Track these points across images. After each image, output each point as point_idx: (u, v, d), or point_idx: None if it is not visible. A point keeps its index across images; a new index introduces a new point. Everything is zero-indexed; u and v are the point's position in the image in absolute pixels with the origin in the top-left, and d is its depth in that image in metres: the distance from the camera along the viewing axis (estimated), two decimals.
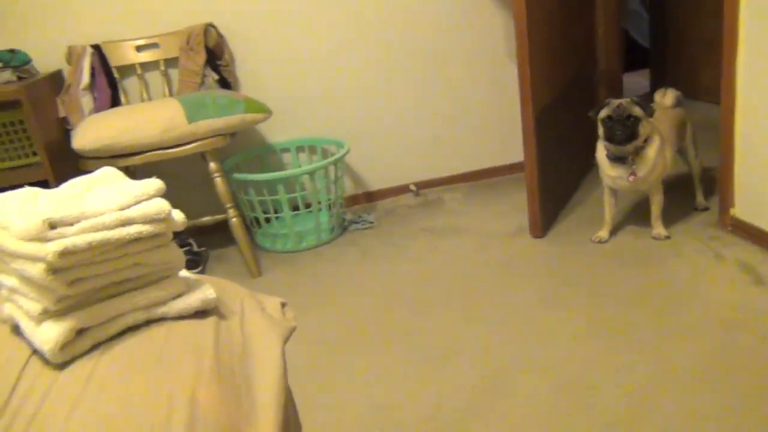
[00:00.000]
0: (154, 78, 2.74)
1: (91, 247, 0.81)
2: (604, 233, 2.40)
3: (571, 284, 2.14)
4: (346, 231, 2.83)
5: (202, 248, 2.70)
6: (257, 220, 2.72)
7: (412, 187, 3.13)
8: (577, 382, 1.68)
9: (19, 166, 2.36)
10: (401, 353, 1.90)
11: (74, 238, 0.81)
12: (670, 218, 2.46)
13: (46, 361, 0.80)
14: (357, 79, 2.97)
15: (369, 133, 3.05)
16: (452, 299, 2.15)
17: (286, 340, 0.96)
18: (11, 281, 0.86)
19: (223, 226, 2.58)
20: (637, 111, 2.17)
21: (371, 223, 2.84)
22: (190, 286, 0.94)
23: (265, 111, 2.48)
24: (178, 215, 0.93)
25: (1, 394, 0.74)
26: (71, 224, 0.83)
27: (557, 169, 2.65)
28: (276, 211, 2.72)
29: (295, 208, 2.71)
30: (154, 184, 0.92)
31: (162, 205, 0.89)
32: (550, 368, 1.74)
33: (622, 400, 1.59)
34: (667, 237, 2.34)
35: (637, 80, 4.58)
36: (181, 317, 0.89)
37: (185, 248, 2.62)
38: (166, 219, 0.89)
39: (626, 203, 2.68)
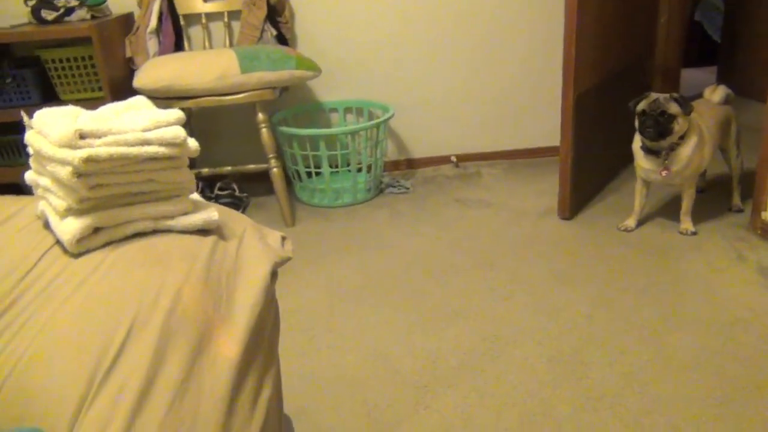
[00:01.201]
0: (217, 28, 2.89)
1: (112, 159, 0.93)
2: (631, 222, 2.41)
3: (587, 266, 2.18)
4: (382, 193, 2.93)
5: (244, 194, 2.86)
6: (299, 173, 2.85)
7: (453, 159, 3.19)
8: (571, 356, 1.74)
9: (84, 99, 2.56)
10: (410, 310, 2.00)
11: (98, 149, 0.93)
12: (702, 216, 2.45)
13: (65, 250, 0.94)
14: (410, 49, 3.03)
15: (417, 103, 3.12)
16: (469, 267, 2.23)
17: (277, 265, 1.07)
18: (46, 182, 1.00)
19: (266, 176, 2.72)
20: (673, 108, 2.16)
21: (407, 189, 2.93)
22: (197, 207, 1.05)
23: (315, 69, 2.59)
24: (192, 143, 1.04)
25: (22, 271, 0.88)
26: (99, 137, 0.95)
27: (594, 155, 2.66)
28: (317, 167, 2.84)
29: (336, 165, 2.82)
30: (175, 113, 1.03)
31: (177, 132, 1.00)
32: (547, 341, 1.81)
33: (611, 378, 1.64)
34: (694, 233, 2.33)
35: (703, 76, 4.45)
36: (185, 232, 1.01)
37: (227, 191, 2.78)
38: (181, 144, 1.01)
39: (661, 196, 2.67)
